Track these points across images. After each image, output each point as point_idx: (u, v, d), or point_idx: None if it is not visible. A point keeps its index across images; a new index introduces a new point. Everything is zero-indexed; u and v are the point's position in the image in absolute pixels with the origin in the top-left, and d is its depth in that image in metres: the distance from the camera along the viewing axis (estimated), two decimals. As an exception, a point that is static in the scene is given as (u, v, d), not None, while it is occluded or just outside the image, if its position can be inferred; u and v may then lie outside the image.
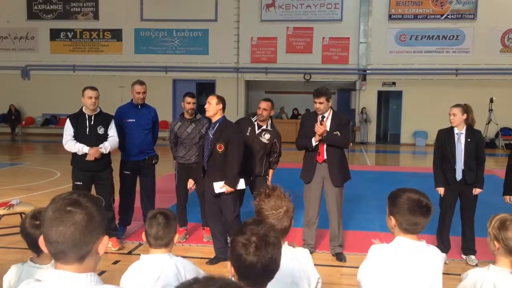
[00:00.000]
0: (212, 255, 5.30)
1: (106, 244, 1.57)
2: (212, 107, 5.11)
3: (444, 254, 5.51)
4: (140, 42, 20.87)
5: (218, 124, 5.10)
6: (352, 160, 14.78)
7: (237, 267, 1.72)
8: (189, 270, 2.60)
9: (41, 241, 1.52)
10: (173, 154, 6.17)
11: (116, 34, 21.00)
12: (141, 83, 6.15)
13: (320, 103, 5.33)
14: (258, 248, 1.68)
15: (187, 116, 6.06)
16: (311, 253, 2.68)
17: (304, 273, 2.28)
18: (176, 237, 2.67)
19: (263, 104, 5.77)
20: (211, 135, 5.10)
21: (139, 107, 6.13)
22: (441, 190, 5.42)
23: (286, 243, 2.29)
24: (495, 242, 2.37)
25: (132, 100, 6.17)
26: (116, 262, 5.21)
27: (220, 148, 5.03)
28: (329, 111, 5.45)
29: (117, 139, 5.69)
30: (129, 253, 5.56)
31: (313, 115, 5.56)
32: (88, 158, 5.40)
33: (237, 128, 5.35)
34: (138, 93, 6.06)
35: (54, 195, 1.55)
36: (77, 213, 1.47)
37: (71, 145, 5.46)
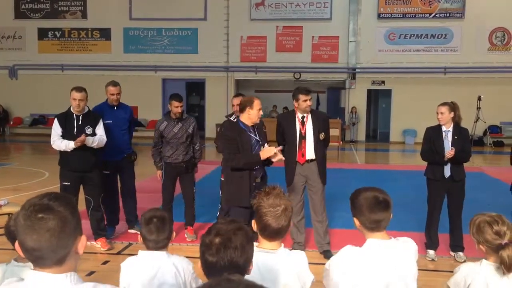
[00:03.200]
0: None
1: (85, 243, 1.55)
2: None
3: (432, 252, 5.56)
4: (129, 41, 20.76)
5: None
6: (342, 159, 14.86)
7: (202, 263, 1.77)
8: (187, 269, 2.61)
9: (17, 247, 1.50)
10: (152, 152, 6.14)
11: (105, 33, 20.88)
12: (115, 84, 6.09)
13: (310, 100, 5.40)
14: (218, 250, 1.71)
15: (173, 116, 6.03)
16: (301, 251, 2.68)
17: (300, 276, 2.28)
18: (174, 235, 2.69)
19: (236, 100, 5.73)
20: (256, 138, 4.81)
21: (115, 108, 6.10)
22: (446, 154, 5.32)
23: (282, 245, 2.29)
24: (481, 246, 2.40)
25: (106, 100, 6.13)
26: (105, 263, 5.19)
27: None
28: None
29: (105, 139, 5.66)
30: (119, 253, 5.54)
31: (291, 114, 5.58)
32: (76, 145, 5.31)
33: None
34: (112, 94, 6.03)
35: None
36: (50, 220, 1.43)
37: (59, 143, 5.41)
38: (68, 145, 5.37)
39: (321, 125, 5.46)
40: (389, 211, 2.36)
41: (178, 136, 5.94)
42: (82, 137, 5.33)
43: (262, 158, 4.53)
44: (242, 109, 4.63)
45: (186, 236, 6.09)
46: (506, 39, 19.17)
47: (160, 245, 2.59)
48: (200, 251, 1.77)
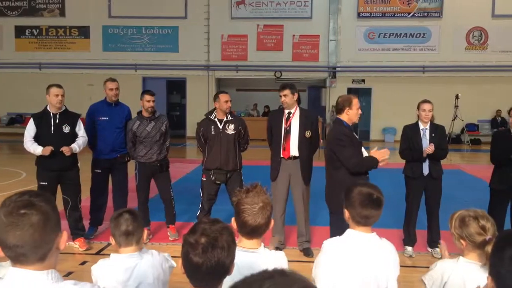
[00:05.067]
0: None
1: (66, 238, 1.56)
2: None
3: (410, 248, 5.64)
4: (108, 39, 20.54)
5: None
6: (323, 157, 14.90)
7: (185, 265, 1.73)
8: (162, 260, 2.58)
9: None
10: (131, 154, 6.10)
11: (84, 31, 20.62)
12: (113, 79, 6.13)
13: (284, 95, 5.41)
14: (204, 250, 1.67)
15: (145, 114, 5.99)
16: (281, 249, 2.71)
17: None
18: (146, 234, 2.64)
19: (226, 97, 5.68)
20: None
21: (113, 105, 6.05)
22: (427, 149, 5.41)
23: (262, 245, 2.30)
24: (461, 241, 2.39)
25: (105, 98, 6.09)
26: (83, 263, 5.13)
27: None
28: (295, 107, 5.50)
29: (86, 139, 5.61)
30: (97, 253, 5.48)
31: (279, 112, 5.62)
32: (65, 152, 5.27)
33: None
34: (111, 89, 6.00)
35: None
36: (32, 215, 1.44)
37: (28, 145, 5.37)
38: (36, 150, 5.31)
39: (308, 124, 5.48)
40: (380, 209, 2.43)
41: (152, 135, 5.91)
42: (67, 149, 5.28)
43: (379, 161, 4.37)
44: (340, 109, 4.49)
45: (168, 234, 6.06)
46: (483, 38, 19.48)
47: (131, 238, 2.51)
48: (182, 251, 1.73)
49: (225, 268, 1.70)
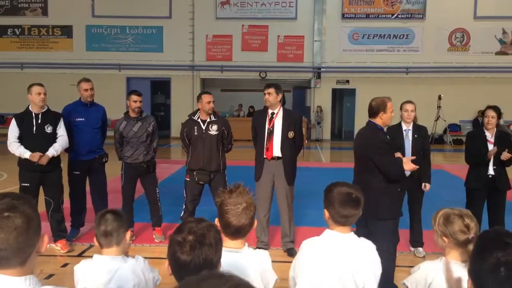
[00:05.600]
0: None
1: (47, 241, 1.55)
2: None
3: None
4: (91, 39, 20.36)
5: None
6: (307, 157, 14.98)
7: (172, 264, 1.71)
8: (144, 267, 2.55)
9: None
10: (118, 154, 6.05)
11: (66, 31, 20.41)
12: (87, 80, 6.00)
13: (268, 93, 5.43)
14: (192, 248, 1.66)
15: (132, 114, 5.95)
16: (265, 249, 2.71)
17: (263, 276, 2.30)
18: (129, 235, 2.62)
19: (209, 97, 5.68)
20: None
21: (88, 105, 5.98)
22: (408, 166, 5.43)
23: (246, 245, 2.30)
24: (444, 238, 2.38)
25: (80, 98, 6.01)
26: (65, 265, 5.07)
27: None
28: (279, 107, 5.51)
29: (67, 139, 5.54)
30: (79, 255, 5.42)
31: (263, 113, 5.63)
32: (40, 162, 5.22)
33: None
34: (86, 90, 5.90)
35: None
36: (16, 218, 1.44)
37: (14, 148, 5.28)
38: (23, 154, 5.24)
39: (291, 124, 5.49)
40: (360, 208, 2.45)
41: (139, 135, 5.86)
42: (44, 159, 5.23)
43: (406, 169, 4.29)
44: (375, 113, 4.30)
45: (154, 237, 6.01)
46: (465, 39, 19.74)
47: (110, 239, 2.48)
48: (169, 251, 1.72)
49: (213, 265, 1.70)
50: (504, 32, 19.53)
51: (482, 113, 5.53)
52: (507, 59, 19.56)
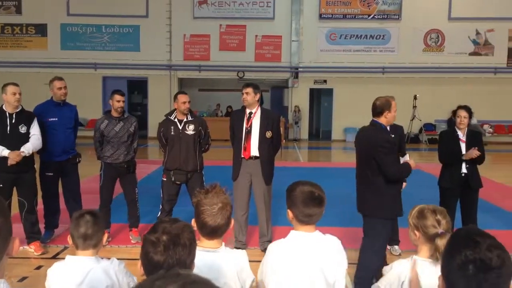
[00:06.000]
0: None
1: (18, 244, 1.50)
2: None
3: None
4: (66, 38, 20.05)
5: None
6: (285, 157, 15.01)
7: (145, 264, 1.70)
8: (119, 270, 2.52)
9: None
10: (97, 154, 5.96)
11: (41, 29, 20.05)
12: (60, 78, 5.89)
13: (246, 93, 5.44)
14: (166, 248, 1.65)
15: (114, 114, 5.88)
16: (243, 249, 2.70)
17: (240, 276, 2.30)
18: (105, 237, 2.59)
19: (185, 98, 5.68)
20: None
21: (61, 105, 5.87)
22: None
23: (223, 244, 2.30)
24: (415, 231, 2.46)
25: (52, 98, 5.90)
26: (39, 268, 4.97)
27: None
28: (257, 107, 5.52)
29: (40, 138, 5.43)
30: (54, 257, 5.32)
31: (241, 112, 5.63)
32: (10, 162, 5.11)
33: None
34: (60, 88, 5.79)
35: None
36: None
37: None
38: (1, 152, 5.12)
39: (269, 124, 5.50)
40: (323, 207, 2.44)
41: (120, 135, 5.80)
42: (18, 155, 5.12)
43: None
44: (379, 112, 4.32)
45: (131, 238, 5.95)
46: (440, 40, 20.06)
47: (89, 242, 2.44)
48: (142, 251, 1.70)
49: (186, 266, 1.69)
50: (477, 33, 19.92)
51: (454, 113, 5.61)
52: (480, 59, 19.95)
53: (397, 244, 5.67)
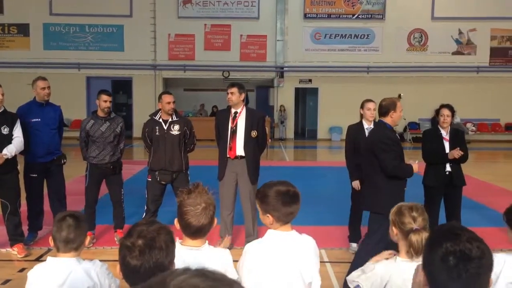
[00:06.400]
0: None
1: None
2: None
3: (355, 245, 5.76)
4: (49, 38, 19.82)
5: None
6: (271, 156, 15.03)
7: (123, 269, 1.69)
8: (100, 272, 2.49)
9: None
10: (83, 154, 5.90)
11: (23, 29, 19.79)
12: (43, 78, 5.82)
13: (231, 93, 5.44)
14: (142, 252, 1.64)
15: (101, 114, 5.82)
16: (229, 249, 2.69)
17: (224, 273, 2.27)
18: (88, 240, 2.56)
19: (169, 98, 5.65)
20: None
21: (44, 105, 5.80)
22: (356, 184, 5.62)
23: (206, 242, 2.30)
24: (393, 228, 2.52)
25: (35, 98, 5.82)
26: (22, 270, 4.90)
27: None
28: (242, 107, 5.52)
29: (22, 140, 5.36)
30: (37, 259, 5.25)
31: (226, 112, 5.62)
32: None
33: None
34: (43, 88, 5.72)
35: None
36: None
37: None
38: None
39: (254, 123, 5.50)
40: (300, 202, 2.45)
41: (106, 136, 5.74)
42: (0, 160, 5.05)
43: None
44: (385, 112, 4.51)
45: (116, 239, 5.89)
46: (423, 40, 20.25)
47: (71, 246, 2.42)
48: (120, 255, 1.69)
49: (164, 268, 1.67)
50: (460, 33, 20.14)
51: (437, 112, 5.67)
52: (463, 59, 20.18)
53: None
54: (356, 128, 5.73)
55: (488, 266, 1.47)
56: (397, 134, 4.82)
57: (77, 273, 2.40)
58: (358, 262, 4.23)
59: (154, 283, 0.96)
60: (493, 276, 2.44)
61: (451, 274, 1.44)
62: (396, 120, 4.57)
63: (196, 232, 2.21)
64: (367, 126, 5.67)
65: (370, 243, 4.34)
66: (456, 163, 5.48)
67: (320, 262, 4.01)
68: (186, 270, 0.94)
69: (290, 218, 2.43)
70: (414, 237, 2.39)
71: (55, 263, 2.43)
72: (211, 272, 0.92)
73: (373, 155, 4.44)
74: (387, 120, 4.53)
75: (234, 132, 5.47)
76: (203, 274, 0.91)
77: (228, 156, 5.49)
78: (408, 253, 2.44)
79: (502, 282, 2.41)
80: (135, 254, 1.64)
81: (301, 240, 2.46)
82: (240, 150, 5.48)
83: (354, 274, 2.65)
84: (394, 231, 2.53)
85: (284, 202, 2.38)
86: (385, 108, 4.53)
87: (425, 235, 2.35)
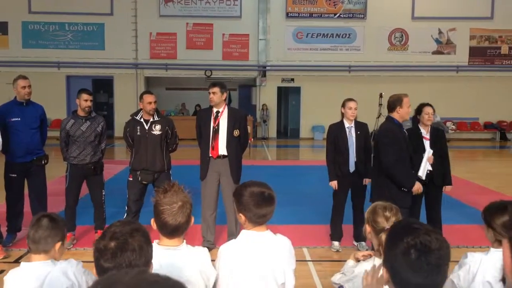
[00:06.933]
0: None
1: None
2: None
3: (337, 243, 5.79)
4: (28, 36, 19.51)
5: None
6: (254, 155, 15.03)
7: (98, 272, 1.68)
8: (77, 270, 2.46)
9: None
10: (63, 155, 5.82)
11: (1, 27, 19.43)
12: (24, 77, 5.74)
13: (213, 93, 5.43)
14: (113, 255, 1.63)
15: (81, 113, 5.75)
16: (211, 249, 2.68)
17: (203, 273, 2.28)
18: (65, 244, 2.51)
19: (151, 98, 5.60)
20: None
21: (24, 104, 5.71)
22: (334, 184, 5.65)
23: (184, 242, 2.28)
24: (367, 226, 2.57)
25: (15, 97, 5.73)
26: (1, 272, 4.83)
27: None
28: (224, 106, 5.51)
29: (1, 140, 5.26)
30: (16, 261, 5.17)
31: (208, 111, 5.61)
32: None
33: None
34: (24, 87, 5.63)
35: None
36: None
37: None
38: None
39: (237, 123, 5.50)
40: (274, 205, 2.45)
41: (86, 135, 5.67)
42: None
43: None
44: (392, 108, 4.74)
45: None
46: (404, 39, 20.44)
47: (42, 247, 2.38)
48: (94, 258, 1.68)
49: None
50: (440, 32, 20.39)
51: (417, 111, 5.73)
52: (443, 58, 20.43)
53: (364, 241, 5.73)
54: (337, 127, 5.76)
55: (446, 256, 1.52)
56: (405, 130, 4.98)
57: (53, 275, 2.36)
58: None
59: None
60: (470, 275, 2.49)
61: (413, 267, 1.49)
62: (404, 115, 4.77)
63: (173, 231, 2.20)
64: (348, 125, 5.71)
65: None
66: (441, 162, 5.52)
67: (302, 260, 4.05)
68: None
69: (262, 220, 2.41)
70: (384, 236, 2.42)
71: (30, 268, 2.38)
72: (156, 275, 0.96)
73: (378, 147, 4.74)
74: (395, 115, 4.76)
75: (216, 131, 5.46)
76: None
77: (210, 155, 5.47)
78: (377, 251, 2.48)
79: (479, 281, 2.45)
80: (107, 257, 1.63)
81: (275, 241, 2.46)
82: (222, 150, 5.47)
83: (337, 276, 2.68)
84: (367, 229, 2.57)
85: (256, 203, 2.37)
86: (391, 104, 4.78)
87: None
